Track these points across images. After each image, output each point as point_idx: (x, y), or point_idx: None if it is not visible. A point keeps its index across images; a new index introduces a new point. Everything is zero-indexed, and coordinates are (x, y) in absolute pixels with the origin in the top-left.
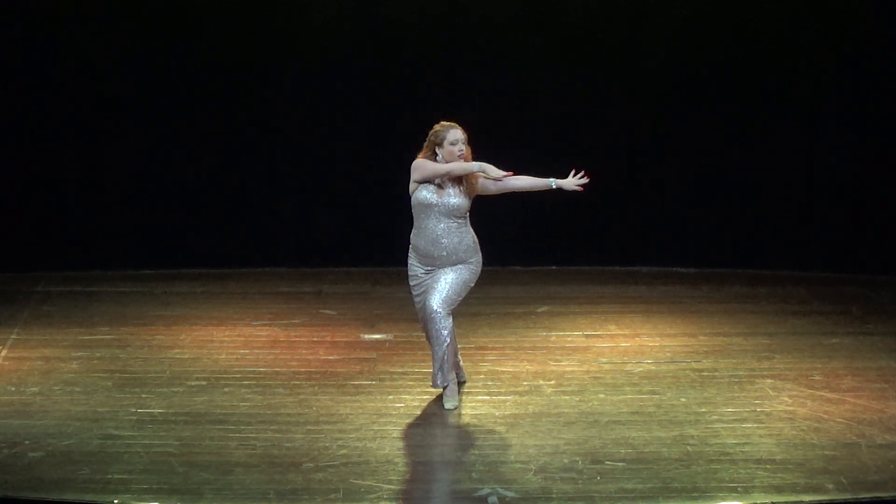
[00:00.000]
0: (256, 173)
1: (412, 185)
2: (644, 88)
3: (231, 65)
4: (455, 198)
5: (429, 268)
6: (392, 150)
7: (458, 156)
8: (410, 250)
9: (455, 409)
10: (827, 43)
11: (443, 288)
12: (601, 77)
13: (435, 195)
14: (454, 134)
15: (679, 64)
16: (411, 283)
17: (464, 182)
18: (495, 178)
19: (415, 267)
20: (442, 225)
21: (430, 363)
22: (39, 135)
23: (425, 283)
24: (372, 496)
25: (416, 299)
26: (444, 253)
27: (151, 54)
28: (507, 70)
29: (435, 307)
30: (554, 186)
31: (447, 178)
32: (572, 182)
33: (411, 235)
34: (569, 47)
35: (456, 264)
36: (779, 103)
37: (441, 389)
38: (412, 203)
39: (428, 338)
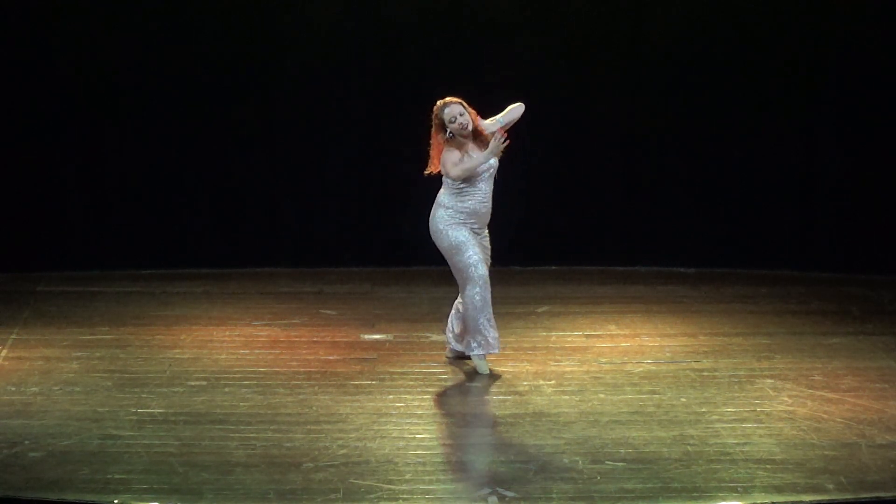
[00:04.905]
0: (256, 173)
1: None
2: (644, 88)
3: (231, 64)
4: (493, 159)
5: (475, 225)
6: (392, 149)
7: (462, 128)
8: (449, 215)
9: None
10: (827, 43)
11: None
12: (601, 76)
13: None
14: (449, 112)
15: (679, 63)
16: (460, 240)
17: (482, 143)
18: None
19: (461, 227)
20: (489, 186)
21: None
22: (39, 134)
23: (475, 243)
24: (372, 496)
25: (472, 258)
26: (488, 210)
27: (152, 53)
28: (507, 69)
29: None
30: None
31: (473, 147)
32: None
33: (454, 202)
34: (569, 47)
35: (486, 223)
36: (779, 103)
37: (479, 356)
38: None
39: (477, 303)
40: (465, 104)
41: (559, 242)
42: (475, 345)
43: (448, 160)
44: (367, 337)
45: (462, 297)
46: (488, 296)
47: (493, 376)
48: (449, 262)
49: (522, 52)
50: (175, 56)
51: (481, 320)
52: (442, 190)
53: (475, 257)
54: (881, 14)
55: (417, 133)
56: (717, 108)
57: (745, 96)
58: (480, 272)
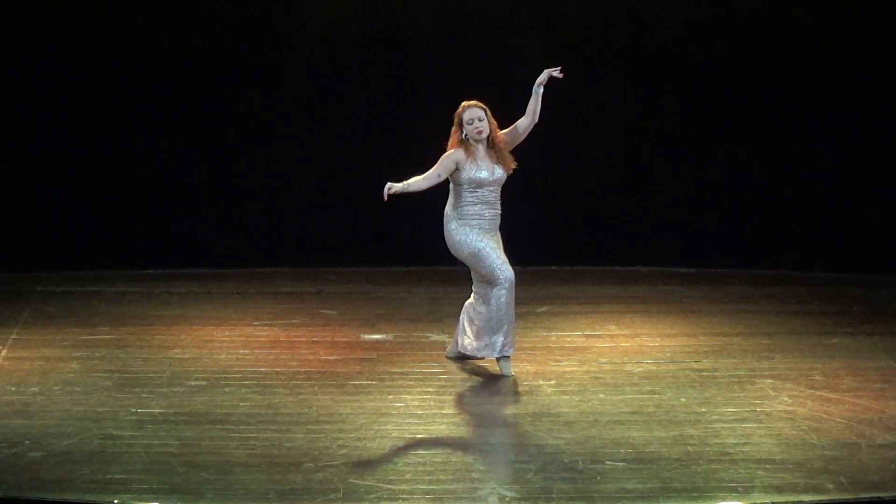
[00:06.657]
0: (256, 173)
1: (451, 171)
2: (644, 88)
3: (232, 64)
4: (500, 170)
5: (487, 227)
6: (393, 149)
7: (477, 132)
8: (461, 224)
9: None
10: (827, 43)
11: None
12: (601, 77)
13: (486, 172)
14: (469, 113)
15: (679, 63)
16: (478, 247)
17: (495, 153)
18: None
19: (475, 231)
20: (496, 194)
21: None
22: (39, 134)
23: (491, 243)
24: (372, 496)
25: (494, 261)
26: (497, 216)
27: (152, 53)
28: (507, 69)
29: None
30: (541, 90)
31: (483, 156)
32: (547, 74)
33: (464, 211)
34: (569, 47)
35: (497, 227)
36: (779, 103)
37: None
38: (464, 183)
39: (503, 305)
40: (487, 111)
41: (559, 242)
42: (500, 346)
43: (445, 156)
44: (367, 337)
45: (486, 300)
46: (512, 298)
47: (494, 376)
48: (472, 270)
49: (523, 51)
50: (175, 56)
51: (506, 322)
52: (450, 199)
53: (498, 260)
54: (881, 14)
55: (419, 133)
56: (717, 107)
57: (745, 96)
58: (506, 275)
